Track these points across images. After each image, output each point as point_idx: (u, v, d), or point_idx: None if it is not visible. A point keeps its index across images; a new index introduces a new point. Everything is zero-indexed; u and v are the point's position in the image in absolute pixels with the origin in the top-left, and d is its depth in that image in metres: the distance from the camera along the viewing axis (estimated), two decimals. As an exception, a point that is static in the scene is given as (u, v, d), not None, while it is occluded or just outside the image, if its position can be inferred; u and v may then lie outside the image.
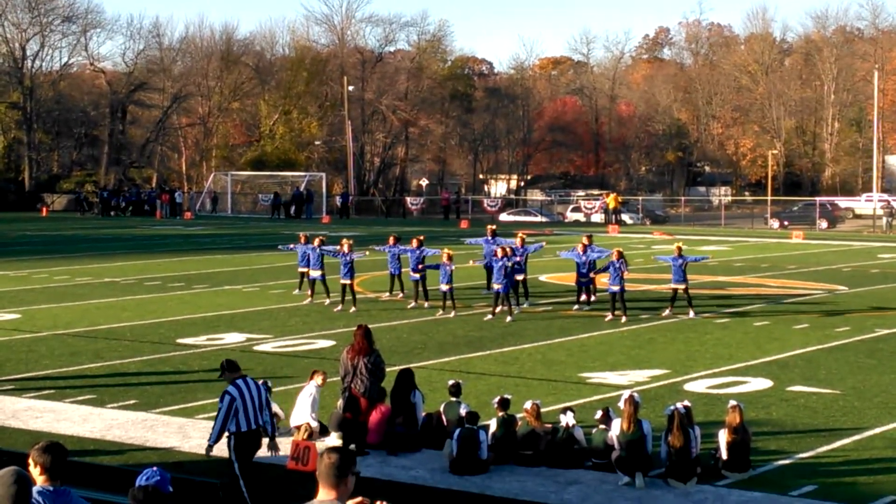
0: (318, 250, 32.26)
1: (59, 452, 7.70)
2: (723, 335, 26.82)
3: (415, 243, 31.69)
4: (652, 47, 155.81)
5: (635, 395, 15.39)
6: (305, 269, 32.97)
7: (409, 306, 31.27)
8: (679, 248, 30.49)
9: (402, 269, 32.60)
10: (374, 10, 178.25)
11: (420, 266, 31.29)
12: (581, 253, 31.34)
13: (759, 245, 56.90)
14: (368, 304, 31.78)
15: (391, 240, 33.00)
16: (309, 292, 32.52)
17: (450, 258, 30.23)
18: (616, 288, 29.08)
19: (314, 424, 16.90)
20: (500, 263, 29.14)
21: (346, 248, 31.07)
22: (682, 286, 29.91)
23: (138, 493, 7.90)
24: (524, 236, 33.24)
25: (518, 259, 30.43)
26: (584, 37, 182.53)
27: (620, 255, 29.33)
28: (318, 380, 17.23)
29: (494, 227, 36.85)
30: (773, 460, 15.92)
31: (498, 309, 29.41)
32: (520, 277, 31.02)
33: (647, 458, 14.88)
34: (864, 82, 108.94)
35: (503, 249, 29.82)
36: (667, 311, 29.90)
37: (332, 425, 16.76)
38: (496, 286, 29.48)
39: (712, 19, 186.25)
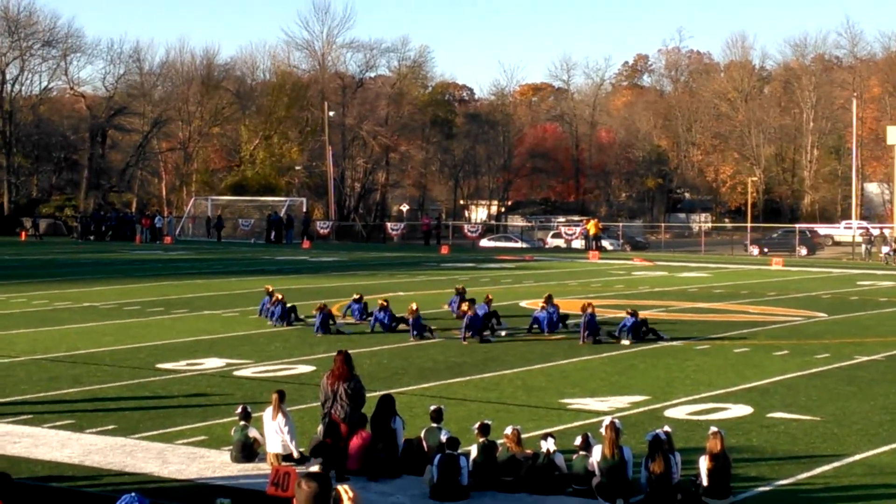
0: (278, 307, 32.49)
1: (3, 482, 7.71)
2: (703, 361, 26.83)
3: (380, 302, 31.81)
4: (632, 74, 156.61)
5: (616, 421, 15.39)
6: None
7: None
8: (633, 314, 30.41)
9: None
10: (355, 36, 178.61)
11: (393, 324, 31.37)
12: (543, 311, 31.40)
13: (739, 272, 57.02)
14: (347, 329, 31.70)
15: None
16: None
17: (413, 312, 30.38)
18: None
19: (296, 454, 16.82)
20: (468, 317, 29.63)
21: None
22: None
23: (117, 519, 7.87)
24: (491, 297, 33.11)
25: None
26: (565, 63, 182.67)
27: (589, 309, 29.77)
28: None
29: (461, 286, 36.57)
30: (754, 487, 15.91)
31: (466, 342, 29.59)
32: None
33: (628, 485, 14.86)
34: (842, 110, 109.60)
35: (469, 306, 30.35)
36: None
37: (312, 451, 16.70)
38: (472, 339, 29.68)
39: (692, 47, 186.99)
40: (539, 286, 43.92)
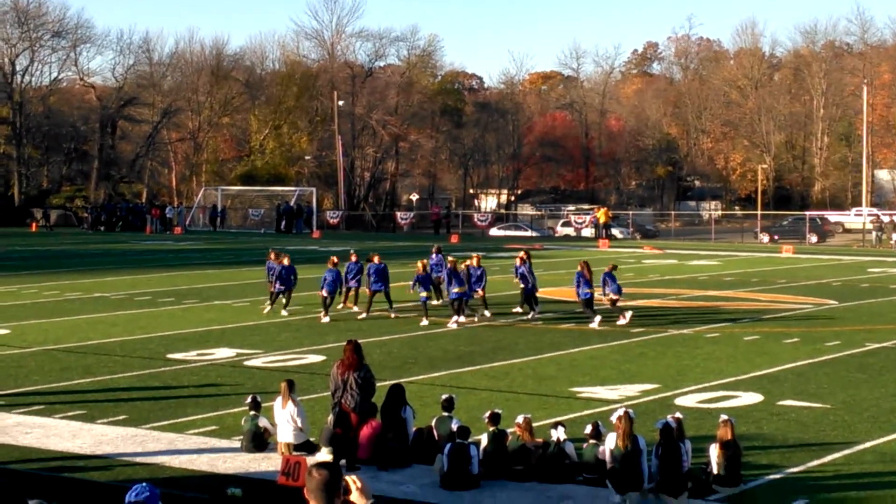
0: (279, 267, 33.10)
1: None
2: (713, 349, 26.82)
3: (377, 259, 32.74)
4: (641, 62, 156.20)
5: (630, 411, 15.34)
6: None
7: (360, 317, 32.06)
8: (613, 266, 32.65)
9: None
10: (364, 25, 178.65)
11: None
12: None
13: (749, 259, 56.94)
14: (359, 320, 31.72)
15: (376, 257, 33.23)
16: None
17: (424, 268, 31.89)
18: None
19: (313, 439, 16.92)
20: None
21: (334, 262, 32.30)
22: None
23: (128, 510, 7.88)
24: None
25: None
26: (574, 52, 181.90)
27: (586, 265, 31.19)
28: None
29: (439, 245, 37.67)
30: (764, 475, 15.91)
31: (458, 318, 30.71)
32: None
33: (641, 474, 14.82)
34: (853, 97, 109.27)
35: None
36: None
37: (323, 440, 16.73)
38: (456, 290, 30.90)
39: (701, 34, 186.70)
40: (549, 275, 43.90)
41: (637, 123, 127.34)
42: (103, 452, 17.02)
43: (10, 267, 49.51)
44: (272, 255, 33.82)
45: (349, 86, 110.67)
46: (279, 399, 17.03)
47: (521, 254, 33.79)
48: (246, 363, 24.76)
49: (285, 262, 32.90)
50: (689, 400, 20.73)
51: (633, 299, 36.24)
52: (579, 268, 31.06)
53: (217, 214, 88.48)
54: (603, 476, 14.99)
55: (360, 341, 17.13)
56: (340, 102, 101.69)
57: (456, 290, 30.74)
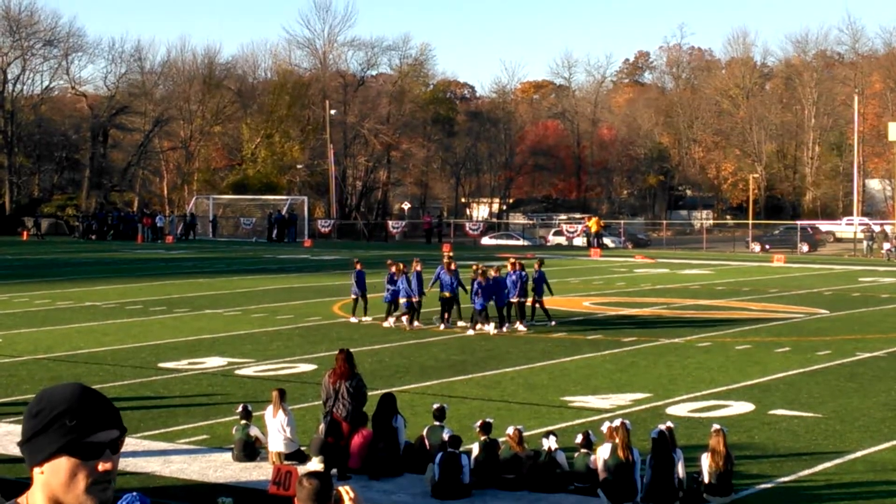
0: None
1: None
2: (704, 359, 26.83)
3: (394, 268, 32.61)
4: (633, 71, 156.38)
5: (627, 422, 15.31)
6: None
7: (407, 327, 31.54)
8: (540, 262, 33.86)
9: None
10: (356, 34, 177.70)
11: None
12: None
13: (741, 269, 57.00)
14: (351, 329, 31.72)
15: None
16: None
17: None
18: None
19: (292, 448, 16.85)
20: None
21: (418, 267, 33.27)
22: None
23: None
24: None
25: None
26: (566, 61, 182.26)
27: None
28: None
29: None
30: (755, 484, 15.92)
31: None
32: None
33: (634, 485, 14.82)
34: (844, 106, 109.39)
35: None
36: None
37: (314, 449, 16.71)
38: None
39: (693, 44, 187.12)
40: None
41: (629, 133, 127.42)
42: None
43: (1, 276, 49.39)
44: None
45: (341, 95, 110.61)
46: (270, 408, 17.01)
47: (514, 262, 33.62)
48: (237, 372, 24.73)
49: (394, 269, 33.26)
50: (681, 409, 20.74)
51: (625, 308, 36.26)
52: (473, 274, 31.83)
53: (194, 222, 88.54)
54: (594, 485, 14.99)
55: (351, 350, 17.13)
56: (332, 111, 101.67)
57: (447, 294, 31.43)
